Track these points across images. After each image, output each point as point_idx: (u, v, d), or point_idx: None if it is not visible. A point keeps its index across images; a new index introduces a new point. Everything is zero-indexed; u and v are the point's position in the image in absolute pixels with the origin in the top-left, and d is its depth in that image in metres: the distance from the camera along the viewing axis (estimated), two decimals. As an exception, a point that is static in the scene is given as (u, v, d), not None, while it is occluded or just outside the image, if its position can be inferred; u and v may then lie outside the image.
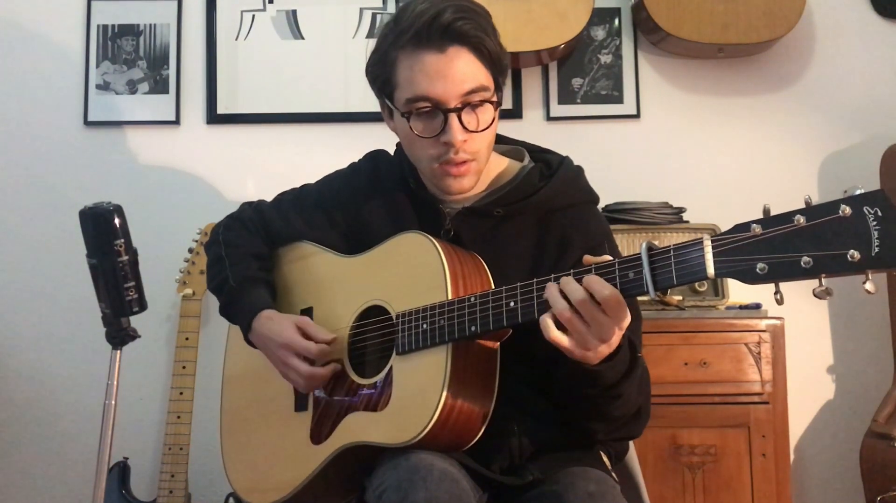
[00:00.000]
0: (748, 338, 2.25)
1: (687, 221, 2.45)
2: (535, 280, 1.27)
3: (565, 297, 1.21)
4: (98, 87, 2.66)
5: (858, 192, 1.01)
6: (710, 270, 1.09)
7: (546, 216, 1.51)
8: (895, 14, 2.67)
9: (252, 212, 1.75)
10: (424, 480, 1.24)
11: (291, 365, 1.52)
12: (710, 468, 2.23)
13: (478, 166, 1.47)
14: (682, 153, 2.67)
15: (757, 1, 2.45)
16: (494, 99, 1.45)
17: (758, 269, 1.05)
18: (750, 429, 2.23)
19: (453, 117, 1.41)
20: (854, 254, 0.99)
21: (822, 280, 1.02)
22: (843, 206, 1.01)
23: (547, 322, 1.22)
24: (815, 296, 1.02)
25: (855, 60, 2.68)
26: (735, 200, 2.61)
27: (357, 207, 1.63)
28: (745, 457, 2.23)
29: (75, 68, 2.67)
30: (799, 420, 2.57)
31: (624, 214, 2.42)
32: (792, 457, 2.51)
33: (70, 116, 2.67)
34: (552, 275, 1.25)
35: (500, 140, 1.62)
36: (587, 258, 1.25)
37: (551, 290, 1.22)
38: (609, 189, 2.51)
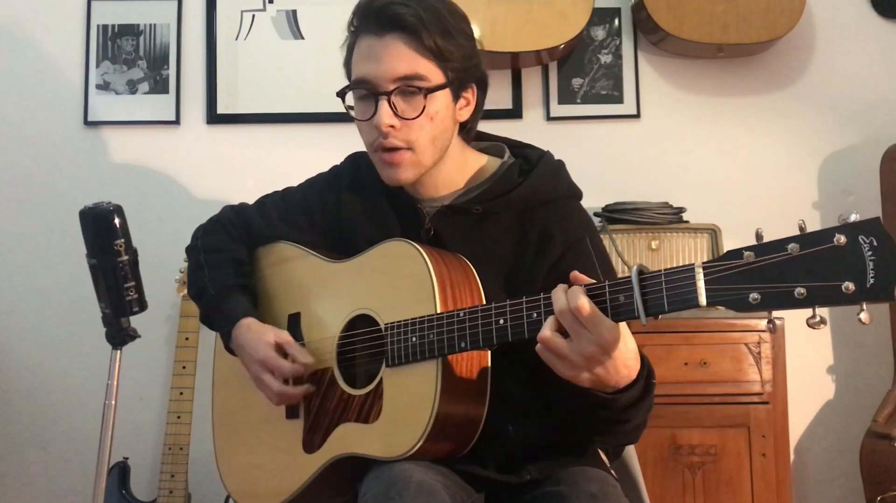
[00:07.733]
0: (748, 338, 2.25)
1: (687, 221, 2.45)
2: (524, 299, 1.26)
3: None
4: (98, 87, 2.66)
5: (853, 218, 0.98)
6: (703, 299, 1.06)
7: (526, 212, 1.48)
8: (895, 14, 2.67)
9: (233, 213, 1.74)
10: (400, 494, 1.25)
11: (264, 381, 1.52)
12: (710, 468, 2.23)
13: (415, 158, 1.44)
14: (682, 153, 2.67)
15: (757, 1, 2.45)
16: (434, 85, 1.41)
17: (750, 299, 1.02)
18: (750, 429, 2.23)
19: (382, 100, 1.41)
20: (848, 286, 0.96)
21: (816, 310, 0.99)
22: (837, 235, 0.97)
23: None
24: (808, 325, 0.99)
25: (855, 60, 2.67)
26: (735, 200, 2.60)
27: (338, 208, 1.62)
28: (745, 457, 2.23)
29: (75, 68, 2.67)
30: (799, 420, 2.57)
31: (624, 214, 2.42)
32: (792, 457, 2.51)
33: (70, 116, 2.67)
34: (541, 295, 1.24)
35: (481, 137, 1.60)
36: (574, 275, 1.22)
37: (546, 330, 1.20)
38: (609, 189, 2.52)
